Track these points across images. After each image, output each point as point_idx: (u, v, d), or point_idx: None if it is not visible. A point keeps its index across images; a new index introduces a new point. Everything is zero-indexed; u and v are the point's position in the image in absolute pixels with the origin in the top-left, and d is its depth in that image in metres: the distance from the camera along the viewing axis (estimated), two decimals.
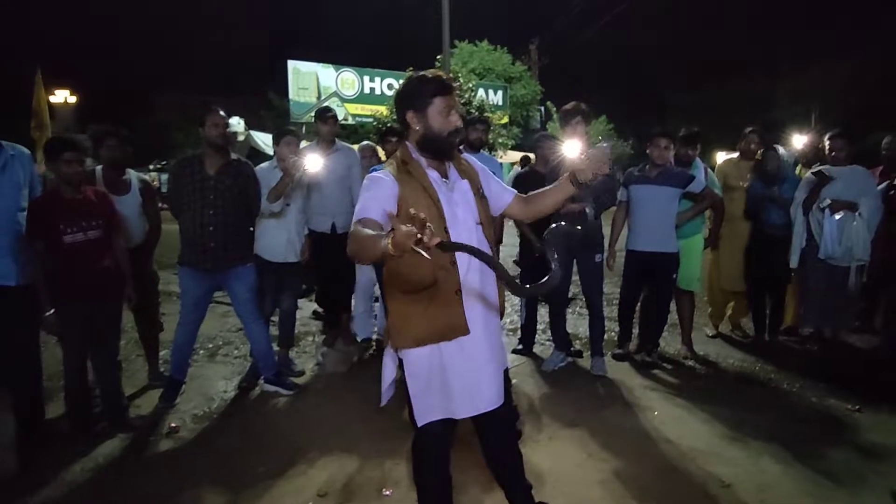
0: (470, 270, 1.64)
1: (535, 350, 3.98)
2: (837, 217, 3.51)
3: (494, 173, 2.01)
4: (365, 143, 4.76)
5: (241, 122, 10.57)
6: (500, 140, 14.16)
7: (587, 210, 3.25)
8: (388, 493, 2.29)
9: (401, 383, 1.71)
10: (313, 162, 3.18)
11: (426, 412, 1.66)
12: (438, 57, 12.34)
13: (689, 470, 2.44)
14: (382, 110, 13.50)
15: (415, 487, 1.82)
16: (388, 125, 8.00)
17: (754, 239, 4.00)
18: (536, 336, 4.08)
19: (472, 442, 1.87)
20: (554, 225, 1.58)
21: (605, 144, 1.66)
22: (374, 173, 1.65)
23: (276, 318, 3.65)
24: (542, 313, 4.23)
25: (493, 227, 1.79)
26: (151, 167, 21.83)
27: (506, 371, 1.79)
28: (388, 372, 1.72)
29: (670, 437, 2.72)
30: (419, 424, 1.67)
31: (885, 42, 20.67)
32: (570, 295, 4.51)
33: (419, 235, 1.12)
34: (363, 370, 3.65)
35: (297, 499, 2.28)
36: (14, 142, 2.71)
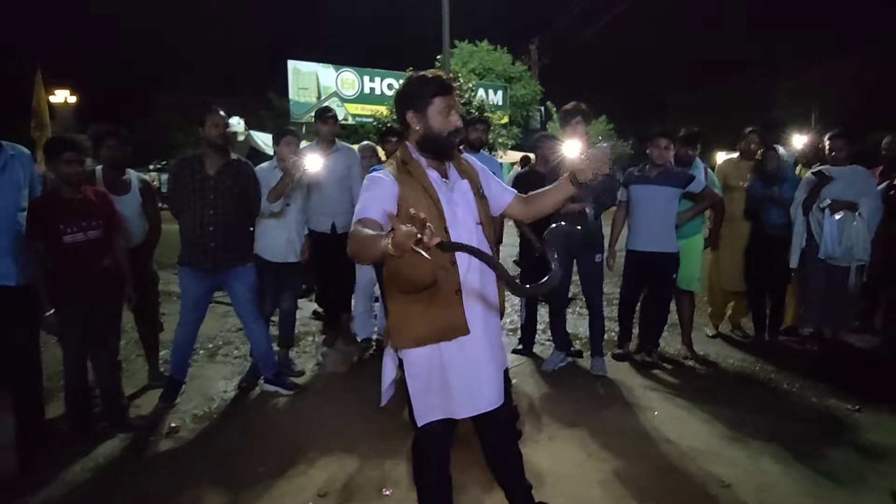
0: (470, 270, 1.64)
1: (535, 350, 3.97)
2: (837, 217, 3.51)
3: (494, 173, 2.01)
4: (365, 143, 4.76)
5: (241, 122, 10.57)
6: (500, 140, 14.16)
7: (587, 210, 3.25)
8: (388, 493, 2.29)
9: (401, 383, 1.71)
10: (313, 162, 3.18)
11: (426, 412, 1.66)
12: (438, 57, 12.34)
13: (689, 470, 2.44)
14: (382, 110, 13.50)
15: (415, 487, 1.82)
16: (389, 125, 7.99)
17: (754, 239, 4.00)
18: (536, 336, 4.08)
19: (472, 442, 1.86)
20: (554, 225, 1.58)
21: (605, 145, 1.66)
22: (374, 173, 1.64)
23: (276, 318, 3.65)
24: (542, 313, 4.23)
25: (493, 227, 1.79)
26: (151, 167, 21.83)
27: (506, 371, 1.79)
28: (388, 372, 1.72)
29: (670, 437, 2.72)
30: (419, 424, 1.67)
31: (885, 42, 20.67)
32: (569, 295, 4.51)
33: (419, 235, 1.12)
34: (363, 370, 3.65)
35: (297, 499, 2.28)
36: (14, 142, 2.71)
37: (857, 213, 3.49)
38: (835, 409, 3.04)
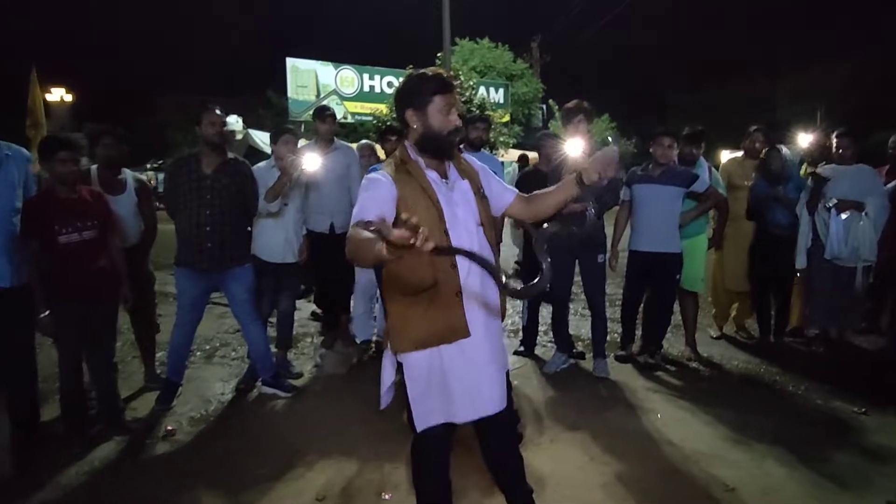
0: (471, 272, 1.61)
1: (536, 352, 3.95)
2: (844, 217, 3.48)
3: (495, 172, 1.98)
4: (363, 141, 4.72)
5: (240, 120, 10.54)
6: (501, 139, 14.12)
7: (589, 210, 3.21)
8: (387, 496, 2.26)
9: (400, 385, 1.68)
10: (311, 161, 3.15)
11: (426, 416, 1.63)
12: (439, 54, 12.31)
13: (693, 473, 2.41)
14: (382, 109, 13.47)
15: (414, 491, 1.79)
16: (388, 124, 7.97)
17: (758, 239, 3.96)
18: (538, 337, 4.05)
19: (473, 445, 1.84)
20: (544, 226, 1.55)
21: (613, 147, 1.63)
22: (373, 174, 1.61)
23: (273, 320, 3.62)
24: (544, 314, 4.19)
25: (494, 227, 1.75)
26: (148, 166, 21.82)
27: (506, 373, 1.76)
28: (388, 374, 1.69)
29: (673, 440, 2.69)
30: (418, 429, 1.64)
31: (885, 42, 20.66)
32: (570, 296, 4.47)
33: (412, 241, 1.09)
34: (362, 372, 3.62)
35: (296, 502, 2.25)
36: (9, 140, 2.68)
37: (863, 213, 3.46)
38: (840, 412, 3.01)
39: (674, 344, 4.00)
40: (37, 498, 2.30)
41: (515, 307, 4.72)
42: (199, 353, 4.00)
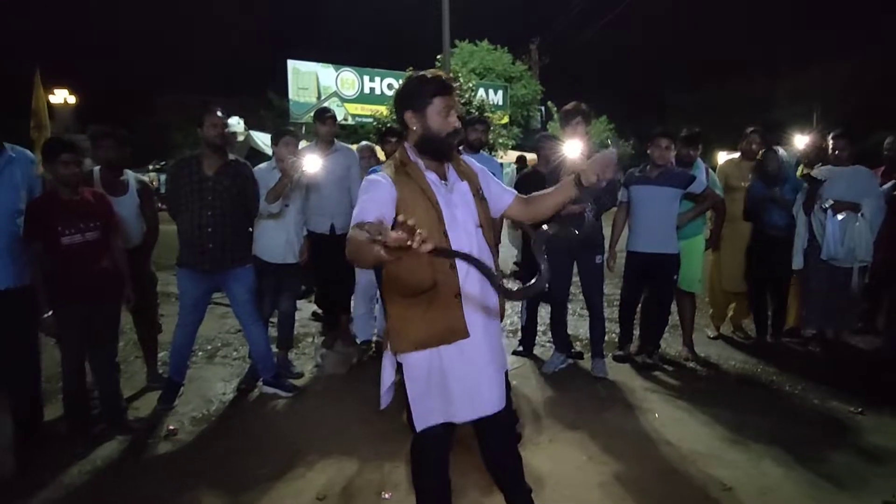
0: (470, 274, 1.62)
1: (535, 352, 3.96)
2: (840, 218, 3.50)
3: (494, 174, 1.99)
4: (363, 143, 4.74)
5: (241, 122, 10.54)
6: (500, 140, 14.13)
7: (587, 212, 3.24)
8: (387, 496, 2.27)
9: (400, 386, 1.69)
10: (312, 163, 3.17)
11: (425, 416, 1.64)
12: (439, 57, 12.32)
13: (690, 472, 2.43)
14: (382, 110, 13.47)
15: (414, 490, 1.80)
16: (388, 125, 7.98)
17: (755, 240, 3.98)
18: (537, 338, 4.06)
19: (472, 445, 1.85)
20: (543, 227, 1.56)
21: (612, 149, 1.64)
22: (372, 176, 1.63)
23: (274, 320, 3.63)
24: (543, 315, 4.21)
25: (493, 229, 1.77)
26: (151, 167, 21.85)
27: (505, 374, 1.77)
28: (387, 375, 1.71)
29: (671, 440, 2.70)
30: (418, 429, 1.65)
31: (885, 42, 20.66)
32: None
33: (409, 243, 1.10)
34: (362, 372, 3.64)
35: (296, 501, 2.26)
36: (13, 142, 2.70)
37: (859, 214, 3.48)
38: (837, 412, 3.02)
39: (671, 344, 4.02)
40: (40, 497, 2.32)
41: (514, 307, 4.74)
42: (200, 353, 4.02)
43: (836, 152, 3.66)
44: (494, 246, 1.76)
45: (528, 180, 3.69)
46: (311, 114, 4.55)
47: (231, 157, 3.14)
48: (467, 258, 1.28)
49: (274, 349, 3.49)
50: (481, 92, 14.89)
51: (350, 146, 4.27)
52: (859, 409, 3.00)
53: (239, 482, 2.39)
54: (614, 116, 22.79)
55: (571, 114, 3.35)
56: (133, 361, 3.80)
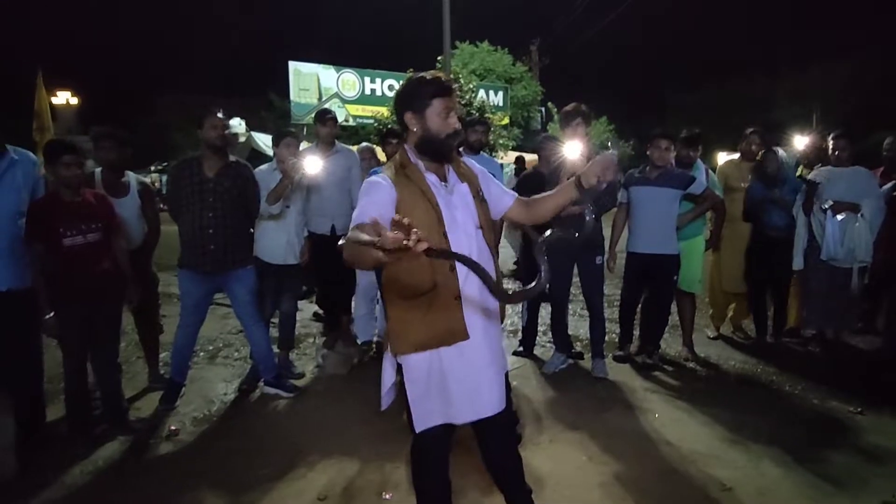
0: (469, 276, 1.61)
1: (535, 352, 3.97)
2: (840, 218, 3.50)
3: (494, 175, 2.00)
4: (364, 144, 4.75)
5: (242, 123, 10.56)
6: (500, 141, 14.15)
7: (587, 213, 3.24)
8: (387, 496, 2.28)
9: (401, 386, 1.70)
10: (312, 164, 3.18)
11: (425, 417, 1.65)
12: (439, 58, 12.32)
13: (690, 473, 2.43)
14: (383, 111, 13.49)
15: (414, 491, 1.81)
16: (389, 126, 7.99)
17: (755, 240, 3.99)
18: (537, 338, 4.07)
19: (472, 446, 1.86)
20: (548, 232, 1.57)
21: (612, 151, 1.65)
22: (372, 177, 1.63)
23: (276, 321, 3.64)
24: (543, 315, 4.22)
25: (493, 230, 1.77)
26: (152, 168, 21.86)
27: (505, 374, 1.78)
28: (388, 376, 1.71)
29: (671, 440, 2.71)
30: (418, 429, 1.65)
31: (885, 42, 20.67)
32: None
33: (405, 242, 1.09)
34: (363, 372, 3.64)
35: (297, 502, 2.27)
36: (14, 143, 2.70)
37: (859, 215, 3.49)
38: (836, 412, 3.03)
39: (671, 344, 4.03)
40: (41, 497, 2.32)
41: (515, 308, 4.75)
42: (202, 354, 4.03)
43: (837, 153, 3.67)
44: (495, 247, 1.76)
45: (528, 181, 3.69)
46: (313, 115, 4.57)
47: (231, 158, 3.15)
48: (465, 260, 1.28)
49: (275, 350, 3.50)
50: (482, 93, 14.91)
51: (351, 147, 4.28)
52: (859, 410, 3.00)
53: (240, 482, 2.40)
54: (614, 117, 22.83)
55: (571, 115, 3.36)
56: (135, 362, 3.81)
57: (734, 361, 3.82)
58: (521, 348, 3.98)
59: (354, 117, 14.79)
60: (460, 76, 13.70)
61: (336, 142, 3.99)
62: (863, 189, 3.55)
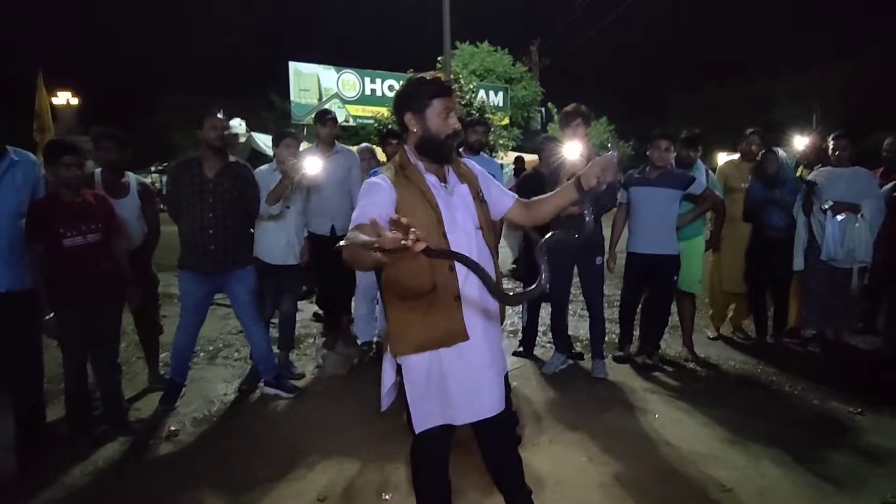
0: (469, 276, 1.61)
1: (536, 352, 3.97)
2: (839, 219, 3.51)
3: (494, 176, 2.00)
4: (363, 144, 4.75)
5: (243, 123, 10.57)
6: (500, 141, 14.16)
7: (586, 214, 3.24)
8: (387, 497, 2.28)
9: (401, 387, 1.70)
10: (312, 164, 3.18)
11: (425, 418, 1.65)
12: (439, 58, 12.33)
13: (690, 473, 2.43)
14: (383, 112, 13.50)
15: (414, 492, 1.81)
16: (389, 127, 7.99)
17: (755, 241, 3.99)
18: (537, 338, 4.07)
19: (472, 446, 1.86)
20: (549, 234, 1.57)
21: (612, 152, 1.64)
22: (372, 179, 1.64)
23: (276, 321, 3.64)
24: (543, 315, 4.22)
25: (493, 231, 1.77)
26: (153, 168, 21.86)
27: (505, 375, 1.78)
28: (388, 377, 1.71)
29: (671, 440, 2.71)
30: (417, 430, 1.65)
31: (885, 42, 20.67)
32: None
33: (403, 242, 1.09)
34: (363, 373, 3.64)
35: (297, 502, 2.27)
36: (14, 143, 2.70)
37: (859, 215, 3.49)
38: (836, 412, 3.03)
39: (671, 345, 4.03)
40: (41, 497, 2.33)
41: (515, 308, 4.75)
42: (202, 354, 4.03)
43: (837, 153, 3.67)
44: (495, 248, 1.76)
45: (528, 181, 3.70)
46: (313, 115, 4.57)
47: (231, 158, 3.15)
48: (464, 260, 1.27)
49: (275, 350, 3.50)
50: (482, 93, 14.92)
51: (351, 148, 4.29)
52: (859, 410, 3.00)
53: (240, 483, 2.40)
54: (614, 117, 22.83)
55: (571, 115, 3.36)
56: (135, 362, 3.81)
57: (734, 362, 3.82)
58: (521, 349, 3.98)
59: (354, 118, 14.80)
60: (460, 76, 13.70)
61: (336, 142, 4.00)
62: (863, 189, 3.55)
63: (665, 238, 3.51)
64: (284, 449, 2.68)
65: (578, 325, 4.51)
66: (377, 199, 1.55)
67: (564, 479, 2.38)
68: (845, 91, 21.46)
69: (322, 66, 14.48)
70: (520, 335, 4.10)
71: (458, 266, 1.60)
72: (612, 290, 4.75)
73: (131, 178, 3.31)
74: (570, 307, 4.00)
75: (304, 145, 4.15)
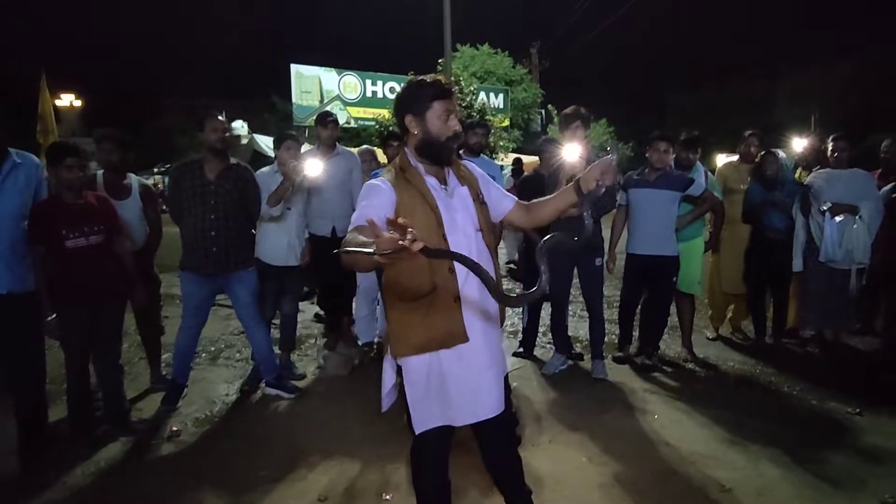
0: (469, 278, 1.62)
1: (535, 353, 3.98)
2: (838, 220, 3.52)
3: (494, 178, 2.01)
4: (364, 146, 4.77)
5: (245, 125, 10.61)
6: (501, 143, 14.19)
7: (585, 216, 3.25)
8: (388, 497, 2.29)
9: (401, 388, 1.71)
10: (313, 166, 3.19)
11: (425, 419, 1.65)
12: (440, 60, 12.37)
13: (689, 473, 2.44)
14: (385, 114, 13.53)
15: (414, 492, 1.82)
16: (390, 129, 8.01)
17: (754, 242, 4.00)
18: (537, 339, 4.08)
19: (472, 446, 1.87)
20: (549, 236, 1.58)
21: (611, 154, 1.65)
22: (372, 181, 1.65)
23: (277, 322, 3.66)
24: (543, 316, 4.23)
25: (493, 233, 1.78)
26: (156, 170, 21.90)
27: (505, 376, 1.79)
28: (388, 378, 1.72)
29: (670, 441, 2.72)
30: (417, 431, 1.66)
31: (885, 42, 20.68)
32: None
33: (401, 242, 1.09)
34: (364, 373, 3.65)
35: (298, 503, 2.28)
36: (17, 145, 2.71)
37: (857, 217, 3.50)
38: (835, 412, 3.03)
39: (670, 345, 4.04)
40: (43, 498, 2.34)
41: (516, 309, 4.76)
42: (204, 355, 4.05)
43: (836, 154, 3.68)
44: (494, 249, 1.77)
45: (528, 183, 3.71)
46: (314, 117, 4.60)
47: (232, 160, 3.16)
48: (463, 260, 1.28)
49: (276, 351, 3.51)
50: (482, 95, 14.95)
51: (352, 150, 4.30)
52: (857, 410, 3.01)
53: (241, 483, 2.41)
54: (614, 119, 22.84)
55: (571, 118, 3.38)
56: (136, 363, 3.83)
57: (733, 362, 3.83)
58: (521, 349, 3.99)
59: (356, 119, 14.84)
60: (461, 79, 13.74)
61: (337, 144, 4.01)
62: (861, 191, 3.57)
63: (664, 239, 3.52)
64: (285, 449, 2.69)
65: (578, 326, 4.52)
66: (377, 201, 1.55)
67: (564, 480, 2.39)
68: (844, 92, 21.46)
69: (323, 68, 14.52)
70: (520, 336, 4.11)
71: (458, 267, 1.61)
72: (612, 290, 4.76)
73: (133, 179, 3.33)
74: (569, 308, 4.01)
75: (305, 147, 4.17)
